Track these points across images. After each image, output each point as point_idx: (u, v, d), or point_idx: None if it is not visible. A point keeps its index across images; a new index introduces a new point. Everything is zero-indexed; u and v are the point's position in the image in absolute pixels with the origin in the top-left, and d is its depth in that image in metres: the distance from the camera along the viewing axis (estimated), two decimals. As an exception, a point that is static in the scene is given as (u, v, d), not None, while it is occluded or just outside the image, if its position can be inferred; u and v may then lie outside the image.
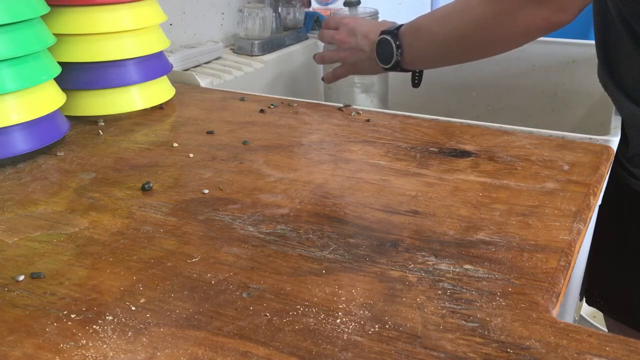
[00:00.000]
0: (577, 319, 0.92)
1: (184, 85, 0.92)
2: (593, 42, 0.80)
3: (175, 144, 0.70)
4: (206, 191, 0.59)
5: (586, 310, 1.36)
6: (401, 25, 0.85)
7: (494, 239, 0.50)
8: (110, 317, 0.42)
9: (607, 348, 0.39)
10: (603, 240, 0.78)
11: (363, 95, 1.06)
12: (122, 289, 0.45)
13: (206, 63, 1.05)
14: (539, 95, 1.15)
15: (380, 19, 1.02)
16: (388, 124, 0.75)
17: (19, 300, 0.44)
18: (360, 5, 1.06)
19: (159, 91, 0.83)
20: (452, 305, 0.42)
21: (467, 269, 0.46)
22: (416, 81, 0.93)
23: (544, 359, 0.38)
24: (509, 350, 0.39)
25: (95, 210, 0.56)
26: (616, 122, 0.75)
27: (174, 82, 0.89)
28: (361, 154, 0.67)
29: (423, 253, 0.49)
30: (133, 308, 0.43)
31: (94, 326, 0.41)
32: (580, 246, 0.52)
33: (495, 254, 0.48)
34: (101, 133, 0.74)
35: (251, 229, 0.52)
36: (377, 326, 0.41)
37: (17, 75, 0.64)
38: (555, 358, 0.38)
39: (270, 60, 1.11)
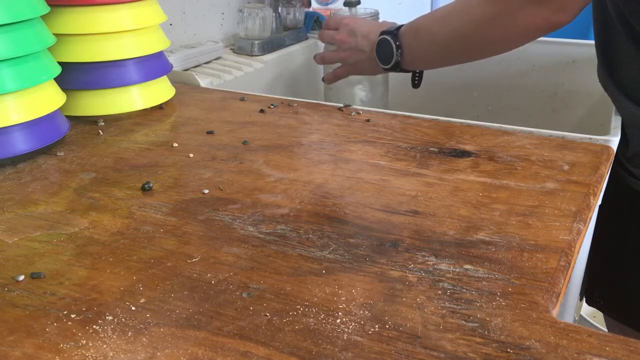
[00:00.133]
0: (577, 319, 0.92)
1: (184, 85, 0.92)
2: (593, 42, 0.80)
3: (175, 144, 0.70)
4: (206, 191, 0.59)
5: (586, 310, 1.36)
6: (401, 26, 0.85)
7: (494, 239, 0.50)
8: (110, 317, 0.42)
9: (607, 348, 0.39)
10: (603, 240, 0.78)
11: (363, 95, 1.06)
12: (122, 289, 0.45)
13: (206, 63, 1.05)
14: (539, 95, 1.15)
15: (380, 20, 1.02)
16: (388, 124, 0.75)
17: (19, 300, 0.44)
18: (360, 5, 1.06)
19: (159, 91, 0.83)
20: (452, 305, 0.42)
21: (467, 269, 0.46)
22: (416, 82, 0.93)
23: (544, 359, 0.38)
24: (509, 350, 0.39)
25: (95, 210, 0.56)
26: (616, 122, 0.75)
27: (174, 82, 0.89)
28: (361, 154, 0.67)
29: (423, 253, 0.49)
30: (133, 308, 0.43)
31: (94, 326, 0.41)
32: (580, 246, 0.52)
33: (495, 254, 0.48)
34: (101, 133, 0.74)
35: (251, 229, 0.52)
36: (377, 326, 0.41)
37: (17, 75, 0.64)
38: (555, 358, 0.38)
39: (270, 60, 1.11)
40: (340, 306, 0.43)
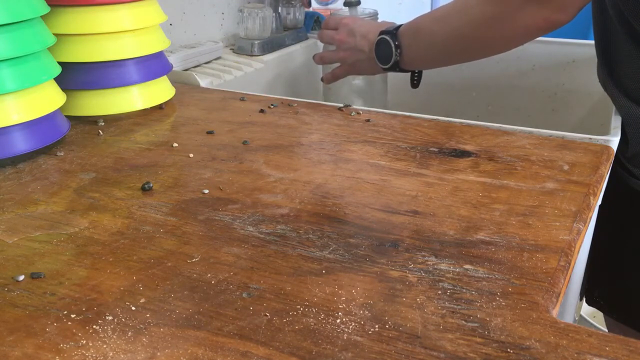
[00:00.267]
0: (577, 319, 0.92)
1: (184, 85, 0.92)
2: (593, 42, 0.80)
3: (175, 144, 0.70)
4: (206, 191, 0.59)
5: (586, 310, 1.36)
6: (400, 26, 0.85)
7: (494, 239, 0.50)
8: (110, 317, 0.42)
9: (607, 348, 0.39)
10: (603, 240, 0.78)
11: (362, 95, 1.06)
12: (122, 289, 0.45)
13: (206, 63, 1.05)
14: (539, 95, 1.15)
15: (380, 20, 1.02)
16: (388, 124, 0.75)
17: (19, 300, 0.44)
18: (360, 5, 1.06)
19: (159, 91, 0.83)
20: (452, 305, 0.42)
21: (467, 269, 0.46)
22: (415, 82, 0.93)
23: (544, 359, 0.38)
24: (509, 350, 0.39)
25: (95, 210, 0.56)
26: (616, 122, 0.75)
27: (174, 82, 0.89)
28: (361, 154, 0.67)
29: (423, 253, 0.49)
30: (133, 308, 0.43)
31: (94, 326, 0.41)
32: (580, 246, 0.52)
33: (495, 254, 0.48)
34: (101, 133, 0.74)
35: (251, 229, 0.52)
36: (377, 326, 0.41)
37: (17, 75, 0.64)
38: (555, 358, 0.38)
39: (270, 60, 1.11)
40: (340, 306, 0.43)
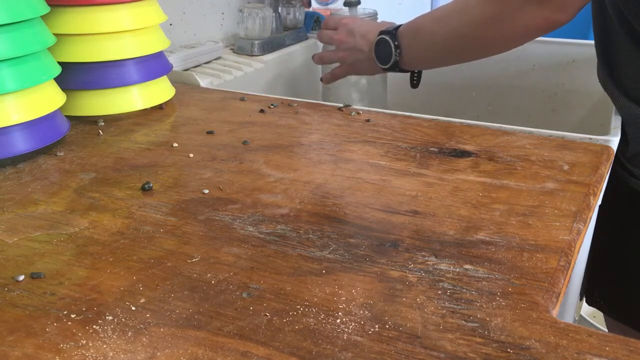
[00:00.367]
0: (577, 319, 0.92)
1: (184, 85, 0.92)
2: (593, 42, 0.80)
3: (175, 144, 0.70)
4: (206, 191, 0.59)
5: (586, 310, 1.36)
6: (400, 26, 0.85)
7: (494, 239, 0.50)
8: (110, 317, 0.42)
9: (607, 348, 0.39)
10: (603, 240, 0.78)
11: (361, 95, 1.06)
12: (122, 289, 0.45)
13: (206, 63, 1.05)
14: (539, 95, 1.15)
15: (380, 20, 1.02)
16: (388, 124, 0.75)
17: (19, 300, 0.44)
18: (360, 5, 1.06)
19: (159, 91, 0.83)
20: (452, 305, 0.43)
21: (467, 269, 0.46)
22: (415, 82, 0.93)
23: (544, 359, 0.38)
24: (509, 350, 0.39)
25: (95, 210, 0.56)
26: (616, 122, 0.75)
27: (174, 82, 0.89)
28: (361, 154, 0.67)
29: (423, 253, 0.49)
30: (133, 308, 0.43)
31: (94, 326, 0.41)
32: (580, 246, 0.52)
33: (495, 254, 0.48)
34: (101, 133, 0.74)
35: (251, 229, 0.52)
36: (377, 326, 0.41)
37: (17, 75, 0.64)
38: (555, 358, 0.38)
39: (270, 60, 1.11)
40: (340, 306, 0.43)
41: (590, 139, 0.69)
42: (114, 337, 0.40)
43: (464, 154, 0.66)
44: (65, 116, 0.74)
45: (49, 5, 0.70)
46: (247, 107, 0.82)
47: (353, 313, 0.42)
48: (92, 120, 0.78)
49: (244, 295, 0.44)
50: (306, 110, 0.81)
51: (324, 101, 1.05)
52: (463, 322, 0.41)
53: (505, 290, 0.44)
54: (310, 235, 0.51)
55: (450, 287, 0.44)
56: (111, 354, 0.38)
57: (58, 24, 0.74)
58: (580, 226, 0.53)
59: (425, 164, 0.64)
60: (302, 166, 0.64)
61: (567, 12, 0.68)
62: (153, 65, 0.81)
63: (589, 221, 0.56)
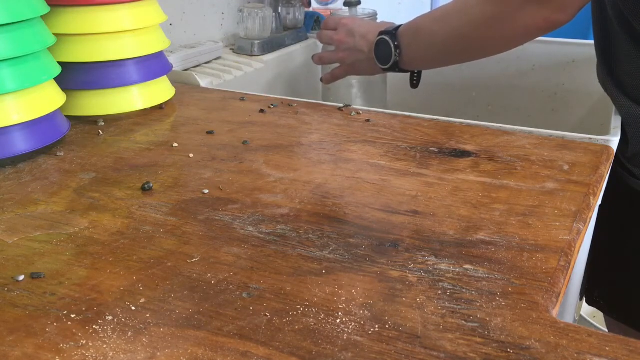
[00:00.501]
0: (577, 319, 0.92)
1: (184, 85, 0.92)
2: (593, 42, 0.80)
3: (175, 144, 0.70)
4: (206, 191, 0.59)
5: (586, 310, 1.36)
6: (400, 26, 0.85)
7: (494, 239, 0.50)
8: (110, 317, 0.42)
9: (607, 348, 0.39)
10: (603, 240, 0.78)
11: (362, 95, 1.06)
12: (122, 289, 0.45)
13: (206, 63, 1.05)
14: (539, 95, 1.15)
15: (379, 20, 1.02)
16: (388, 124, 0.75)
17: (19, 300, 0.44)
18: (360, 5, 1.06)
19: (159, 91, 0.83)
20: (452, 305, 0.43)
21: (467, 269, 0.46)
22: (415, 82, 0.93)
23: (544, 359, 0.38)
24: (509, 350, 0.39)
25: (95, 210, 0.56)
26: (616, 122, 0.75)
27: (174, 82, 0.89)
28: (361, 154, 0.67)
29: (423, 253, 0.49)
30: (133, 308, 0.43)
31: (94, 326, 0.41)
32: (580, 246, 0.52)
33: (495, 254, 0.48)
34: (101, 133, 0.74)
35: (251, 229, 0.52)
36: (377, 326, 0.41)
37: (17, 75, 0.64)
38: (555, 358, 0.38)
39: (270, 60, 1.11)
40: (340, 306, 0.43)
41: (590, 139, 0.69)
42: (114, 337, 0.40)
43: (464, 154, 0.66)
44: (65, 116, 0.74)
45: (49, 5, 0.70)
46: (247, 107, 0.83)
47: (353, 313, 0.42)
48: (92, 120, 0.78)
49: (244, 295, 0.44)
50: (306, 110, 0.81)
51: (324, 101, 1.05)
52: (463, 322, 0.41)
53: (505, 290, 0.44)
54: (310, 235, 0.51)
55: (450, 287, 0.44)
56: (111, 354, 0.38)
57: (58, 24, 0.74)
58: (580, 226, 0.53)
59: (425, 164, 0.64)
60: (302, 166, 0.64)
61: (567, 12, 0.68)
62: (153, 65, 0.81)
63: (589, 221, 0.56)
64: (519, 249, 0.49)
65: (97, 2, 0.74)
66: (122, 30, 0.76)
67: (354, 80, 1.04)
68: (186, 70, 1.00)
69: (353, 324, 0.41)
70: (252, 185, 0.60)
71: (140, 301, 0.43)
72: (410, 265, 0.47)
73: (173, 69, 0.91)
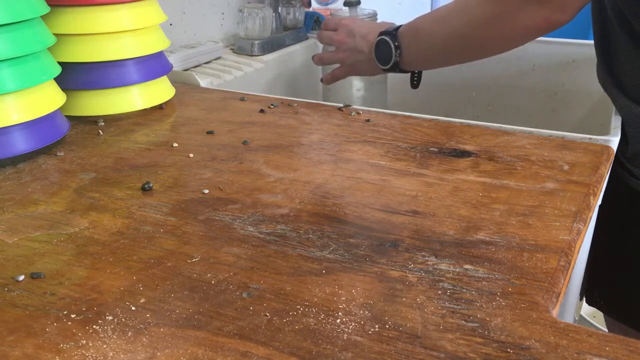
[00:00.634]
0: (577, 319, 0.92)
1: (184, 85, 0.92)
2: (593, 42, 0.80)
3: (175, 144, 0.70)
4: (206, 191, 0.59)
5: (586, 310, 1.36)
6: (400, 26, 0.85)
7: (494, 239, 0.50)
8: (110, 317, 0.42)
9: (607, 348, 0.39)
10: (603, 240, 0.78)
11: (361, 95, 1.06)
12: (122, 289, 0.45)
13: (206, 63, 1.05)
14: (539, 95, 1.15)
15: (379, 20, 1.02)
16: (388, 124, 0.75)
17: (19, 300, 0.44)
18: (360, 5, 1.06)
19: (159, 91, 0.83)
20: (452, 305, 0.43)
21: (467, 269, 0.46)
22: (415, 82, 0.93)
23: (544, 359, 0.38)
24: (509, 350, 0.39)
25: (95, 210, 0.56)
26: (616, 122, 0.75)
27: (174, 82, 0.89)
28: (361, 154, 0.67)
29: (423, 253, 0.49)
30: (133, 308, 0.43)
31: (94, 326, 0.41)
32: (580, 246, 0.52)
33: (495, 254, 0.48)
34: (101, 133, 0.74)
35: (251, 229, 0.52)
36: (377, 326, 0.41)
37: (17, 75, 0.64)
38: (555, 358, 0.38)
39: (270, 60, 1.11)
40: (340, 306, 0.43)
41: (590, 139, 0.69)
42: (114, 337, 0.40)
43: (464, 154, 0.66)
44: (65, 116, 0.74)
45: (49, 5, 0.70)
46: (247, 107, 0.83)
47: (353, 313, 0.42)
48: (92, 120, 0.78)
49: (244, 295, 0.44)
50: (306, 110, 0.81)
51: (324, 101, 1.05)
52: (463, 322, 0.41)
53: (505, 290, 0.44)
54: (310, 235, 0.51)
55: (450, 287, 0.44)
56: (111, 354, 0.38)
57: (58, 24, 0.74)
58: (580, 226, 0.53)
59: (425, 164, 0.64)
60: (302, 166, 0.64)
61: (567, 12, 0.68)
62: (153, 65, 0.81)
63: (589, 221, 0.56)
64: (519, 249, 0.49)
65: (97, 2, 0.74)
66: (122, 30, 0.76)
67: (354, 80, 1.04)
68: (186, 70, 1.00)
69: (353, 324, 0.41)
70: (252, 185, 0.60)
71: (140, 301, 0.43)
72: (410, 265, 0.47)
73: (173, 69, 0.91)
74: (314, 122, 0.77)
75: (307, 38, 1.23)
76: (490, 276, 0.46)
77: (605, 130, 0.75)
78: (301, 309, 0.42)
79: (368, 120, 0.76)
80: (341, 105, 0.82)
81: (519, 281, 0.45)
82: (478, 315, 0.42)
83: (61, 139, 0.71)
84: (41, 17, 0.70)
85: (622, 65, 0.73)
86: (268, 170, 0.64)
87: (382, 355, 0.38)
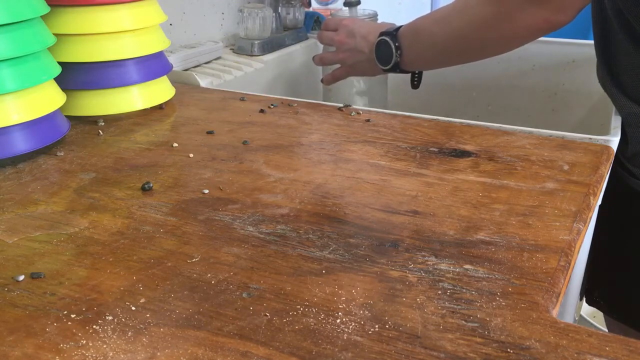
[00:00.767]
0: (577, 319, 0.92)
1: (184, 85, 0.92)
2: (593, 42, 0.80)
3: (175, 144, 0.70)
4: (206, 191, 0.59)
5: (586, 310, 1.36)
6: (400, 27, 0.85)
7: (494, 239, 0.50)
8: (110, 317, 0.42)
9: (607, 348, 0.39)
10: (603, 240, 0.78)
11: (362, 95, 1.06)
12: (122, 289, 0.45)
13: (206, 63, 1.05)
14: (539, 95, 1.15)
15: (379, 20, 1.02)
16: (388, 124, 0.75)
17: (19, 300, 0.44)
18: (360, 6, 1.06)
19: (159, 91, 0.83)
20: (452, 305, 0.43)
21: (467, 269, 0.46)
22: (415, 82, 0.93)
23: (544, 359, 0.38)
24: (509, 350, 0.39)
25: (95, 210, 0.56)
26: (616, 122, 0.75)
27: (174, 82, 0.89)
28: (361, 154, 0.67)
29: (423, 253, 0.49)
30: (133, 308, 0.43)
31: (94, 326, 0.41)
32: (580, 246, 0.52)
33: (495, 254, 0.48)
34: (101, 133, 0.74)
35: (251, 229, 0.52)
36: (377, 326, 0.41)
37: (17, 75, 0.64)
38: (555, 358, 0.38)
39: (270, 60, 1.11)
40: (340, 306, 0.43)
41: (590, 139, 0.69)
42: (114, 337, 0.40)
43: (464, 154, 0.66)
44: (65, 116, 0.74)
45: (49, 5, 0.70)
46: (247, 107, 0.83)
47: (353, 313, 0.42)
48: (92, 120, 0.78)
49: (244, 295, 0.44)
50: (306, 110, 0.81)
51: (325, 101, 1.05)
52: (463, 322, 0.41)
53: (505, 290, 0.44)
54: (310, 235, 0.51)
55: (450, 287, 0.44)
56: (111, 354, 0.38)
57: (58, 24, 0.74)
58: (580, 226, 0.53)
59: (425, 164, 0.64)
60: (302, 166, 0.64)
61: (567, 13, 0.68)
62: (153, 65, 0.81)
63: (589, 221, 0.56)
64: (519, 249, 0.49)
65: (97, 2, 0.74)
66: (122, 30, 0.76)
67: (354, 80, 1.04)
68: (186, 70, 1.00)
69: (353, 324, 0.41)
70: (252, 185, 0.60)
71: (140, 301, 0.43)
72: (410, 265, 0.47)
73: (173, 69, 0.91)
74: (314, 122, 0.77)
75: (307, 38, 1.23)
76: (490, 276, 0.46)
77: (605, 130, 0.75)
78: (301, 309, 0.42)
79: (368, 120, 0.76)
80: (341, 105, 0.82)
81: (519, 281, 0.45)
82: (478, 315, 0.42)
83: (61, 139, 0.71)
84: (41, 17, 0.70)
85: (622, 65, 0.73)
86: (268, 170, 0.64)
87: (382, 355, 0.38)
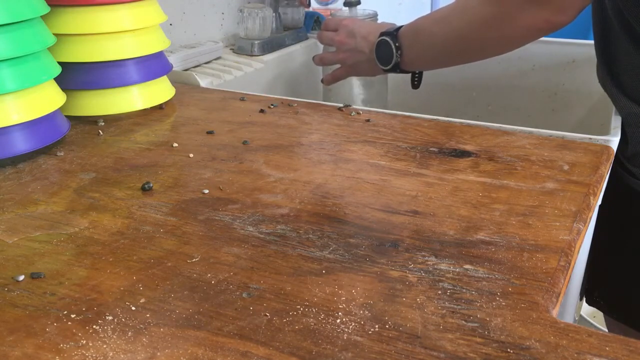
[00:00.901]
0: (577, 319, 0.92)
1: (184, 85, 0.92)
2: (593, 42, 0.80)
3: (175, 144, 0.70)
4: (206, 191, 0.59)
5: (586, 310, 1.36)
6: (400, 27, 0.85)
7: (494, 239, 0.50)
8: (110, 317, 0.42)
9: (607, 348, 0.39)
10: (603, 240, 0.78)
11: (362, 95, 1.06)
12: (122, 289, 0.45)
13: (206, 63, 1.05)
14: (539, 95, 1.15)
15: (380, 20, 1.02)
16: (388, 124, 0.75)
17: (19, 300, 0.44)
18: (360, 6, 1.06)
19: (159, 91, 0.83)
20: (452, 305, 0.43)
21: (467, 269, 0.46)
22: (415, 82, 0.93)
23: (544, 359, 0.38)
24: (509, 350, 0.39)
25: (95, 210, 0.56)
26: (616, 122, 0.75)
27: (174, 82, 0.89)
28: (361, 154, 0.67)
29: (423, 253, 0.49)
30: (133, 308, 0.43)
31: (94, 326, 0.41)
32: (580, 246, 0.52)
33: (495, 254, 0.48)
34: (101, 133, 0.74)
35: (251, 229, 0.52)
36: (377, 326, 0.41)
37: (17, 75, 0.64)
38: (555, 358, 0.38)
39: (270, 60, 1.11)
40: (340, 306, 0.43)
41: (590, 139, 0.69)
42: (114, 337, 0.40)
43: (464, 154, 0.66)
44: (65, 116, 0.74)
45: (49, 5, 0.70)
46: (247, 107, 0.83)
47: (353, 313, 0.42)
48: (92, 120, 0.78)
49: (244, 295, 0.44)
50: (306, 110, 0.81)
51: (325, 101, 1.05)
52: (463, 322, 0.41)
53: (505, 290, 0.44)
54: (310, 235, 0.51)
55: (450, 287, 0.44)
56: (111, 354, 0.38)
57: (58, 24, 0.74)
58: (580, 226, 0.53)
59: (425, 164, 0.64)
60: (302, 166, 0.64)
61: (567, 13, 0.68)
62: (153, 65, 0.81)
63: (589, 221, 0.56)
64: (519, 249, 0.49)
65: (97, 2, 0.74)
66: (122, 30, 0.76)
67: (354, 80, 1.04)
68: (186, 70, 1.00)
69: (353, 324, 0.41)
70: (252, 185, 0.60)
71: (140, 301, 0.43)
72: (410, 265, 0.47)
73: (173, 69, 0.91)
74: (314, 122, 0.77)
75: (307, 38, 1.23)
76: (490, 276, 0.46)
77: (605, 130, 0.75)
78: (301, 309, 0.42)
79: (368, 120, 0.76)
80: (341, 105, 0.82)
81: (519, 281, 0.45)
82: (478, 315, 0.42)
83: (61, 139, 0.71)
84: (41, 17, 0.70)
85: (622, 65, 0.73)
86: (268, 170, 0.64)
87: (382, 355, 0.38)
